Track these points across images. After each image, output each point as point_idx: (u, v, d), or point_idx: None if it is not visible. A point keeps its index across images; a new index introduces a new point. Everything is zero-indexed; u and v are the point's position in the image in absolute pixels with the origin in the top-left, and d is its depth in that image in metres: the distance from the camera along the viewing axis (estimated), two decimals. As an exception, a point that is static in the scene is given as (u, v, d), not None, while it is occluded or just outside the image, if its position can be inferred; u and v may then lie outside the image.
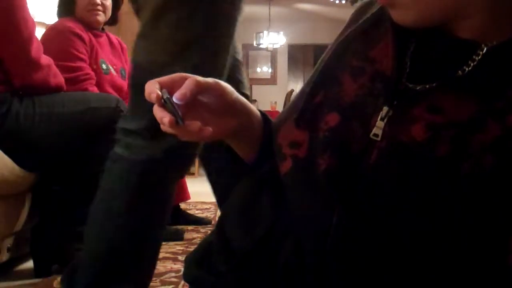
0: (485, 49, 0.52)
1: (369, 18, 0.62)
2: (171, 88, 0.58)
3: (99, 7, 2.30)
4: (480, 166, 0.48)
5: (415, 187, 0.50)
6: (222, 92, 0.61)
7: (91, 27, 2.33)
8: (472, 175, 0.48)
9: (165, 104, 0.56)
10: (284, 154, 0.61)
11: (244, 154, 0.69)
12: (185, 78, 0.58)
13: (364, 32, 0.62)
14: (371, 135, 0.54)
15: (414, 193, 0.50)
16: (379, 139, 0.54)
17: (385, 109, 0.54)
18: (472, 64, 0.53)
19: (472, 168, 0.48)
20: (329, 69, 0.62)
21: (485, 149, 0.48)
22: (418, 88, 0.54)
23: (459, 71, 0.53)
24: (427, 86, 0.54)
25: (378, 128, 0.54)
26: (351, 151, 0.55)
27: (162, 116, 0.56)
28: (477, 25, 0.52)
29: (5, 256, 1.68)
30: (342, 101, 0.58)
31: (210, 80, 0.60)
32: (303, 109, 0.61)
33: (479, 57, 0.52)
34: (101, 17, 2.34)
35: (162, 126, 0.57)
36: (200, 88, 0.58)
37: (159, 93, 0.56)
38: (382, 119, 0.54)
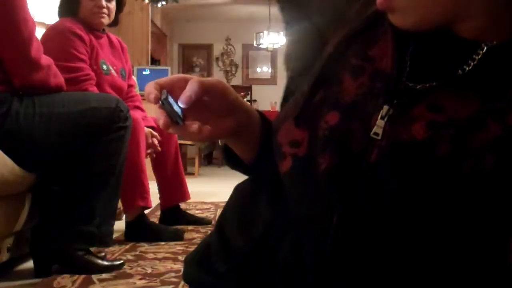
0: (485, 48, 0.52)
1: (369, 17, 0.62)
2: (171, 88, 0.58)
3: (105, 10, 2.31)
4: (480, 166, 0.48)
5: (415, 186, 0.50)
6: (224, 91, 0.61)
7: (93, 28, 2.33)
8: (473, 175, 0.48)
9: (163, 105, 0.56)
10: (284, 153, 0.61)
11: (243, 154, 0.69)
12: (184, 79, 0.59)
13: (363, 31, 0.61)
14: (371, 134, 0.54)
15: (415, 192, 0.50)
16: (379, 138, 0.53)
17: (385, 108, 0.54)
18: (472, 64, 0.52)
19: (473, 168, 0.48)
20: (329, 68, 0.62)
21: (485, 149, 0.48)
22: (418, 87, 0.54)
23: (460, 70, 0.53)
24: (428, 85, 0.53)
25: (379, 127, 0.54)
26: (351, 150, 0.55)
27: (158, 118, 0.56)
28: (477, 26, 0.52)
29: (5, 256, 1.68)
30: (342, 100, 0.58)
31: (212, 80, 0.60)
32: (303, 108, 0.61)
33: (479, 57, 0.52)
34: (106, 20, 2.35)
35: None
36: (205, 90, 0.58)
37: (158, 94, 0.56)
38: (382, 118, 0.54)
